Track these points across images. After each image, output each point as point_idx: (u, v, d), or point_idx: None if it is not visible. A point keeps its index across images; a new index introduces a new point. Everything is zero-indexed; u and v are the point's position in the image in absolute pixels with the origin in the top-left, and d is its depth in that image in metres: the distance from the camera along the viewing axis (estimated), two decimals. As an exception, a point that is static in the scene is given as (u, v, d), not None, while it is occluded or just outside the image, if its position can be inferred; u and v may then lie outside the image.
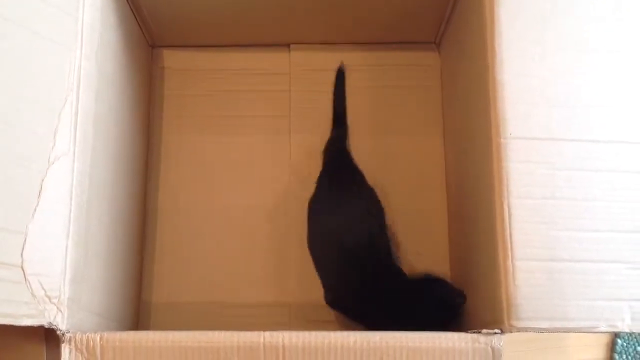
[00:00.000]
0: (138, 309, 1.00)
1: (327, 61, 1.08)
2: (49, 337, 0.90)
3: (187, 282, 1.01)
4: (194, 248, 1.03)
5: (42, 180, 0.69)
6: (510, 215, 0.69)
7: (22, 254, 0.66)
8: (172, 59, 1.10)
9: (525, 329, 0.67)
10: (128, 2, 0.94)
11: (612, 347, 1.00)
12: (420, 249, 1.01)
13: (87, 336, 0.68)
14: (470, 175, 0.86)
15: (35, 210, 0.68)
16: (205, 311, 1.00)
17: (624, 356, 0.99)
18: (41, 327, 0.67)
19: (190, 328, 0.67)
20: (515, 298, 0.67)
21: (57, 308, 0.68)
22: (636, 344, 1.00)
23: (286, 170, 1.06)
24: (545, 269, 0.68)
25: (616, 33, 0.75)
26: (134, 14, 0.97)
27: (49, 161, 0.70)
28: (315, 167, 1.04)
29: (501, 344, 0.67)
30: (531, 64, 0.73)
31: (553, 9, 0.75)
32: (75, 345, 0.68)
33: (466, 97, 0.89)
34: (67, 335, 0.68)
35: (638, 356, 1.00)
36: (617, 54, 0.75)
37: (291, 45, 1.09)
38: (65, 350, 0.68)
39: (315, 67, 1.08)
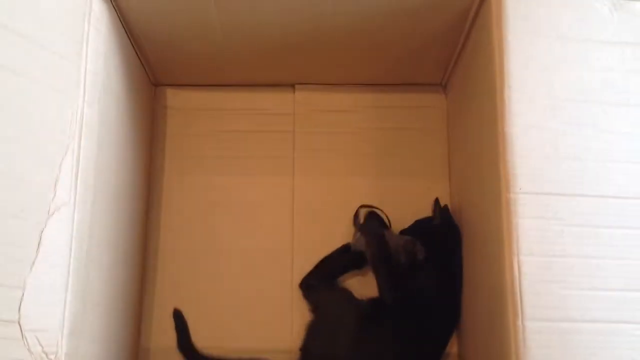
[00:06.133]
0: (137, 355, 0.98)
1: (332, 102, 1.07)
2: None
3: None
4: (196, 291, 1.01)
5: (42, 231, 0.68)
6: (520, 273, 0.68)
7: (19, 309, 0.65)
8: (175, 98, 1.09)
9: (536, 395, 0.65)
10: (131, 43, 0.93)
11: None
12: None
13: (85, 395, 0.66)
14: (478, 228, 0.84)
15: (33, 263, 0.67)
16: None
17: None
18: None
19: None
20: (526, 361, 0.65)
21: (54, 364, 0.66)
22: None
23: (289, 211, 1.04)
24: (557, 330, 0.66)
25: (626, 84, 0.74)
26: (137, 54, 0.96)
27: (48, 212, 0.69)
28: (318, 207, 1.03)
29: (511, 409, 0.65)
30: (541, 116, 0.72)
31: (563, 60, 0.74)
32: (73, 405, 0.66)
33: (474, 144, 0.87)
34: (65, 395, 0.66)
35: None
36: (626, 106, 0.73)
37: (296, 86, 1.08)
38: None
39: (320, 107, 1.07)
